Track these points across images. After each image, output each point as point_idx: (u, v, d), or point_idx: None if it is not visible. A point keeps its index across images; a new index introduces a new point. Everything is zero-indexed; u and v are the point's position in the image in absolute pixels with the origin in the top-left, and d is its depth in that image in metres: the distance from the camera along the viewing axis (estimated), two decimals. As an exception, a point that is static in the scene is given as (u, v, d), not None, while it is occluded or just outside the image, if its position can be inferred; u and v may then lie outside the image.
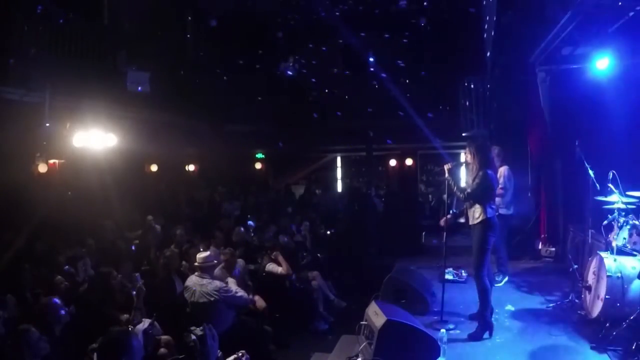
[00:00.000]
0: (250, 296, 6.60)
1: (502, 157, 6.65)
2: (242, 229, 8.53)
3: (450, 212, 5.94)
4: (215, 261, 6.01)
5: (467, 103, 10.52)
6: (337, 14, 12.58)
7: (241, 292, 5.82)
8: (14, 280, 5.44)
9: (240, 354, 4.49)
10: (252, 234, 8.96)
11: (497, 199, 6.18)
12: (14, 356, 3.77)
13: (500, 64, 9.35)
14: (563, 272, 6.81)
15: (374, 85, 13.64)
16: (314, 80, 14.33)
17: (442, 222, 5.52)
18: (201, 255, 5.88)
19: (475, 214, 5.01)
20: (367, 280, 7.50)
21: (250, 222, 9.60)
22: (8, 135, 7.31)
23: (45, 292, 5.06)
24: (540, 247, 8.43)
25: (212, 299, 5.54)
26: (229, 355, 4.98)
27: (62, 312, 4.37)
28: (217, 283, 5.69)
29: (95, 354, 3.78)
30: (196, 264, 5.80)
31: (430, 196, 15.89)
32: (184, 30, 13.65)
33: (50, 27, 7.88)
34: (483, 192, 4.96)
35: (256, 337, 5.80)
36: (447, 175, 5.25)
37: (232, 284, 5.88)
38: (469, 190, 5.01)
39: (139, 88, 9.19)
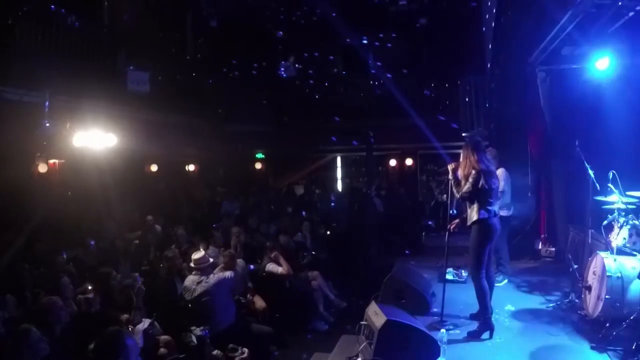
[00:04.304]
0: (249, 297, 6.61)
1: (498, 159, 6.63)
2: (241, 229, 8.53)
3: (451, 212, 5.92)
4: (212, 259, 6.00)
5: (467, 103, 10.53)
6: (337, 14, 12.57)
7: (229, 273, 5.90)
8: (14, 280, 5.44)
9: (241, 351, 4.52)
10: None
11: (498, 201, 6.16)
12: (14, 356, 3.76)
13: (500, 64, 9.35)
14: (563, 272, 6.81)
15: (374, 85, 13.64)
16: (314, 80, 14.34)
17: (450, 227, 5.49)
18: (196, 256, 5.88)
19: (472, 214, 5.00)
20: (367, 280, 7.49)
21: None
22: (8, 135, 7.30)
23: (46, 291, 5.05)
24: (540, 247, 8.43)
25: (213, 294, 5.55)
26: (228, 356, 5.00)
27: (62, 312, 4.37)
28: (215, 276, 5.76)
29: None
30: (192, 264, 5.83)
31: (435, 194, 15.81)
32: (184, 30, 13.65)
33: (51, 27, 7.87)
34: (476, 193, 4.93)
35: (256, 337, 5.80)
36: (450, 175, 5.23)
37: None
38: (463, 190, 4.99)
39: (139, 88, 9.19)
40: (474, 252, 5.01)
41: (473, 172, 4.93)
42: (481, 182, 4.90)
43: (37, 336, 3.76)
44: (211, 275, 5.75)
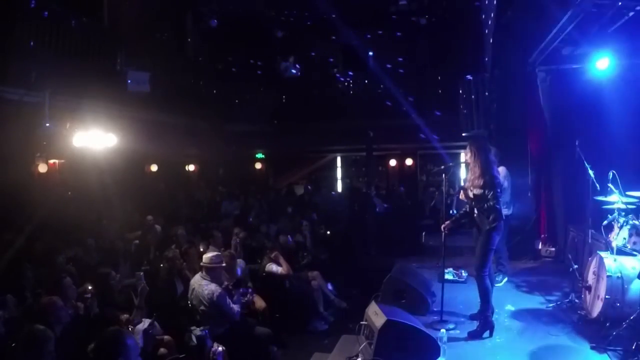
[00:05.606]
0: (249, 297, 6.57)
1: (499, 158, 6.63)
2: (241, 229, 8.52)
3: (451, 212, 5.92)
4: (224, 264, 5.82)
5: (467, 103, 10.52)
6: (337, 13, 12.57)
7: (235, 306, 5.57)
8: (14, 280, 5.44)
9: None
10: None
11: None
12: (17, 356, 3.75)
13: (500, 64, 9.34)
14: (563, 272, 6.80)
15: (373, 85, 13.65)
16: (313, 80, 14.34)
17: (443, 227, 5.47)
18: (208, 255, 5.74)
19: (490, 218, 4.94)
20: (367, 280, 7.50)
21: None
22: (8, 135, 7.30)
23: (46, 291, 5.04)
24: (540, 247, 8.43)
25: (206, 303, 5.46)
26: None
27: (62, 312, 4.36)
28: (212, 287, 5.48)
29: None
30: (202, 263, 5.68)
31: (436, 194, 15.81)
32: (184, 30, 13.66)
33: (51, 27, 7.88)
34: (497, 196, 4.92)
35: (256, 337, 5.79)
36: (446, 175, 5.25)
37: (229, 293, 5.65)
38: (489, 197, 4.89)
39: (139, 88, 9.19)
40: (484, 251, 4.99)
41: (487, 177, 4.92)
42: (497, 185, 4.93)
43: (52, 345, 3.71)
44: (210, 285, 5.51)
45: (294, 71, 13.96)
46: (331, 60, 15.29)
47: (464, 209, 5.40)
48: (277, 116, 14.06)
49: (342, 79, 14.81)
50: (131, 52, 9.76)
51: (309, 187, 14.34)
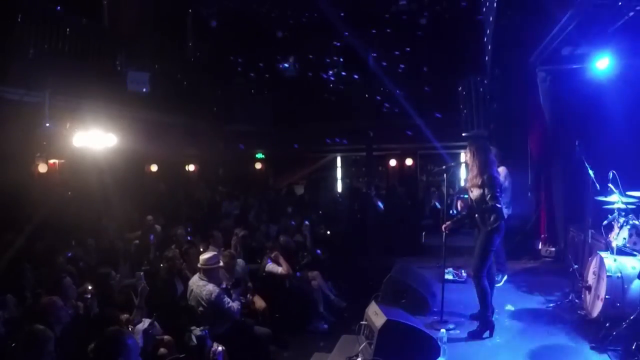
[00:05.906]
0: (249, 297, 6.58)
1: (499, 158, 6.63)
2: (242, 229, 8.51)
3: (451, 212, 5.91)
4: (222, 264, 5.84)
5: (467, 103, 10.53)
6: (337, 13, 12.58)
7: (234, 304, 5.56)
8: (14, 280, 5.45)
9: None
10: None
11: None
12: (17, 356, 3.74)
13: (500, 64, 9.35)
14: (563, 272, 6.80)
15: (374, 85, 13.65)
16: (314, 80, 14.34)
17: (443, 227, 5.46)
18: (204, 256, 5.75)
19: (491, 218, 4.93)
20: (367, 280, 7.50)
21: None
22: (8, 135, 7.30)
23: (46, 291, 5.04)
24: (540, 247, 8.43)
25: (204, 304, 5.46)
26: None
27: (62, 312, 4.36)
28: (210, 288, 5.49)
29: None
30: (199, 265, 5.70)
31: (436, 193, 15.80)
32: (184, 30, 13.66)
33: (51, 28, 7.88)
34: (498, 195, 4.91)
35: (256, 337, 5.79)
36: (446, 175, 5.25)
37: (228, 293, 5.64)
38: (488, 198, 4.90)
39: (139, 88, 9.18)
40: (484, 252, 4.98)
41: (485, 177, 4.91)
42: (497, 184, 4.92)
43: (52, 345, 3.71)
44: (208, 286, 5.52)
45: (294, 71, 13.98)
46: (331, 60, 15.29)
47: (465, 211, 5.39)
48: (277, 116, 14.05)
49: (342, 79, 14.80)
50: (131, 52, 9.76)
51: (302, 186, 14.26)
